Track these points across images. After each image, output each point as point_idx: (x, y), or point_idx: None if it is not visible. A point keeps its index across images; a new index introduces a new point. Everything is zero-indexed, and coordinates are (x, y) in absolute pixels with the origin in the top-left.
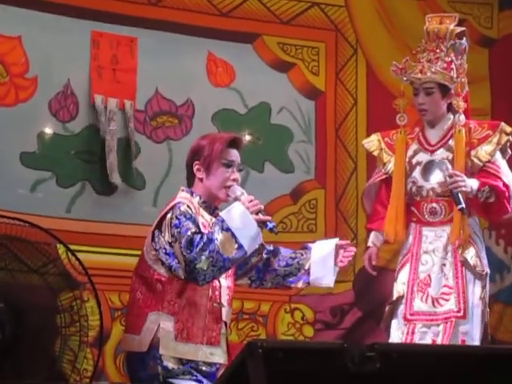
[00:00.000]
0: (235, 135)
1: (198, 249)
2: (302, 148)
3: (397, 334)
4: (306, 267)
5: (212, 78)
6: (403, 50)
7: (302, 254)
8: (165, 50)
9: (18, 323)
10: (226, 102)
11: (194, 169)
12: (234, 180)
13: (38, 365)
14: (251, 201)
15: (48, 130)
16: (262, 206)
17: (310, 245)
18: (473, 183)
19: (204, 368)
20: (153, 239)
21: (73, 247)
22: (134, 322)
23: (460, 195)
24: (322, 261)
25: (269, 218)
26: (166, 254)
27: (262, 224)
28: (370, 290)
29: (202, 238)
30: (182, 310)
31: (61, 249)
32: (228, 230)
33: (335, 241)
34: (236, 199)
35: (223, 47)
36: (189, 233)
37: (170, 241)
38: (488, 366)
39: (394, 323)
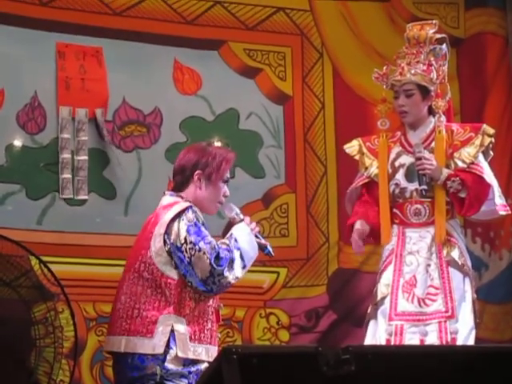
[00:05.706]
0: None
1: (227, 263)
2: (271, 153)
3: (371, 335)
4: None
5: (179, 86)
6: (369, 52)
7: None
8: (131, 60)
9: None
10: (193, 110)
11: (195, 176)
12: (226, 195)
13: (14, 377)
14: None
15: (16, 143)
16: (259, 228)
17: None
18: (444, 170)
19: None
20: (164, 243)
21: (45, 259)
22: (139, 325)
23: (424, 177)
24: None
25: (267, 242)
26: (179, 260)
27: (260, 247)
28: (344, 293)
29: (229, 251)
30: (193, 311)
31: (33, 261)
32: (239, 249)
33: None
34: (232, 218)
35: (189, 55)
36: (215, 246)
37: (186, 248)
38: (465, 366)
39: (372, 324)
